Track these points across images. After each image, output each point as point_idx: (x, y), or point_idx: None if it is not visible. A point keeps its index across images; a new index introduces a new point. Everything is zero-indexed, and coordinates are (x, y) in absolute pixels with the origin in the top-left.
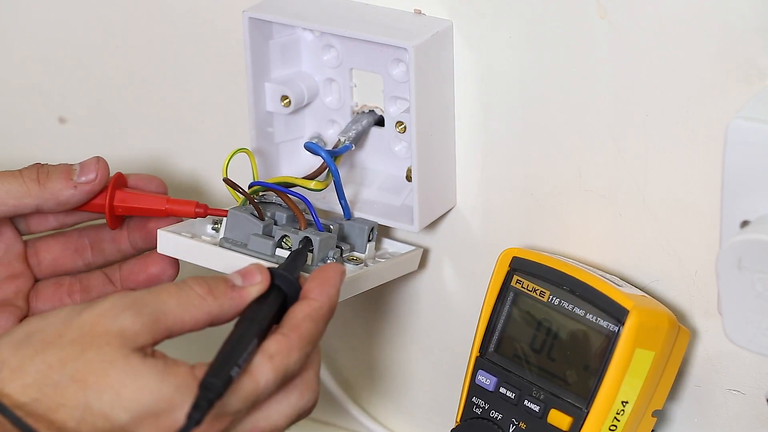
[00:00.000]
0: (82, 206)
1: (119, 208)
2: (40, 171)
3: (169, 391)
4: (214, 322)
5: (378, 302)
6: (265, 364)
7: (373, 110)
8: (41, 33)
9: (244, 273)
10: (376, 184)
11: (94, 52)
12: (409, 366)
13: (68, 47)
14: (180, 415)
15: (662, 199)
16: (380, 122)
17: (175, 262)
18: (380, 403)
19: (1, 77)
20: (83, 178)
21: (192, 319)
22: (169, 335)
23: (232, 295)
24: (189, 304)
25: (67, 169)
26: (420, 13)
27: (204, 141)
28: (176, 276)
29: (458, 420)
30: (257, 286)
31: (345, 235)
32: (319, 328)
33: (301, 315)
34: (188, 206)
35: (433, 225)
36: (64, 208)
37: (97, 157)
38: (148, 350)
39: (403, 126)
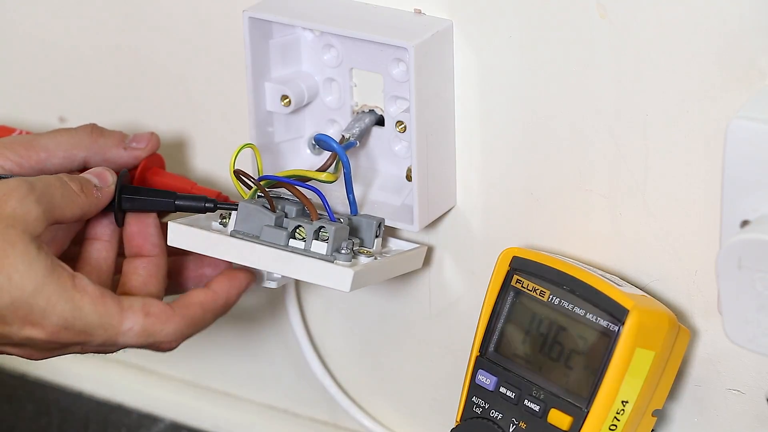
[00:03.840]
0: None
1: (149, 180)
2: (94, 127)
3: (50, 290)
4: (83, 218)
5: (378, 302)
6: (138, 313)
7: (373, 110)
8: (41, 33)
9: (96, 174)
10: (376, 184)
11: (94, 52)
12: (409, 366)
13: (68, 47)
14: (51, 318)
15: (662, 199)
16: (380, 122)
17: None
18: (380, 403)
19: (1, 77)
20: (134, 144)
21: (70, 213)
22: (53, 223)
23: (96, 194)
24: (69, 199)
25: (120, 134)
26: (420, 12)
27: (204, 141)
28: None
29: (458, 420)
30: (112, 187)
31: (353, 229)
32: (206, 319)
33: (196, 300)
34: (212, 195)
35: (433, 225)
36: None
37: (152, 132)
38: (42, 239)
39: (403, 126)
